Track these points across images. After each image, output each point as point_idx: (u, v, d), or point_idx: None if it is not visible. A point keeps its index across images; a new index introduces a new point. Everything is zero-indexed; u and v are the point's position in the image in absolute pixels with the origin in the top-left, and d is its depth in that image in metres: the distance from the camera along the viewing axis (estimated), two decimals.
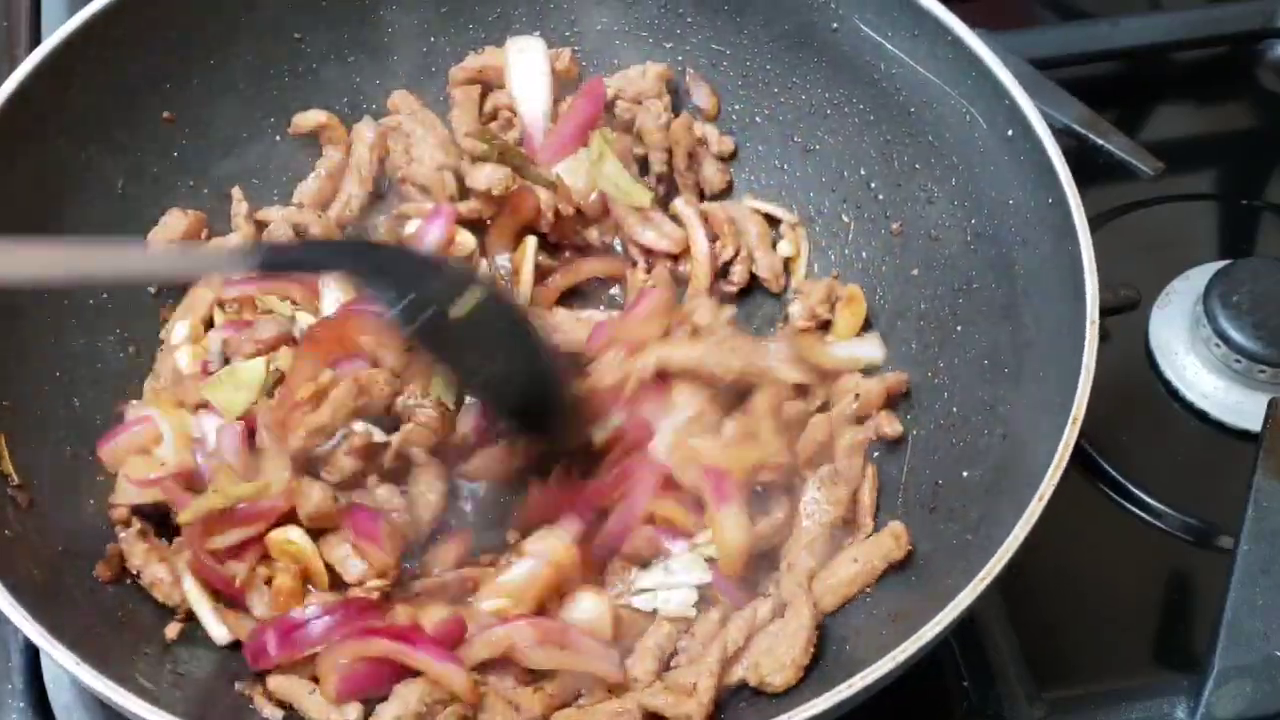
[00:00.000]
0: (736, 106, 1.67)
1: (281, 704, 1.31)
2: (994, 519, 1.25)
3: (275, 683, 1.31)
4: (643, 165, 1.66)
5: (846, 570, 1.36)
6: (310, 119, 1.63)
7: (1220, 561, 1.35)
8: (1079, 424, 1.22)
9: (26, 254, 1.22)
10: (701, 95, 1.66)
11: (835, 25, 1.56)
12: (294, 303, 1.54)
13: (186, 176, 1.59)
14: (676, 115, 1.65)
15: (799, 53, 1.61)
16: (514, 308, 1.46)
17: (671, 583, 1.39)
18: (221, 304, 1.55)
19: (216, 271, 1.53)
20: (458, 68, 1.67)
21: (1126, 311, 1.60)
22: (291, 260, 1.45)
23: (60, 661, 1.15)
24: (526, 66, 1.65)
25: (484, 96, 1.68)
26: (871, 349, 1.53)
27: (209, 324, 1.55)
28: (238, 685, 1.32)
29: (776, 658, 1.28)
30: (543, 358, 1.41)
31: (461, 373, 1.40)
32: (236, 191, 1.61)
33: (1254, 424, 1.46)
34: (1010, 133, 1.40)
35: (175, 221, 1.56)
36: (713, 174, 1.66)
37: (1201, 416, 1.59)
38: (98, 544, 1.37)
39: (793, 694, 1.22)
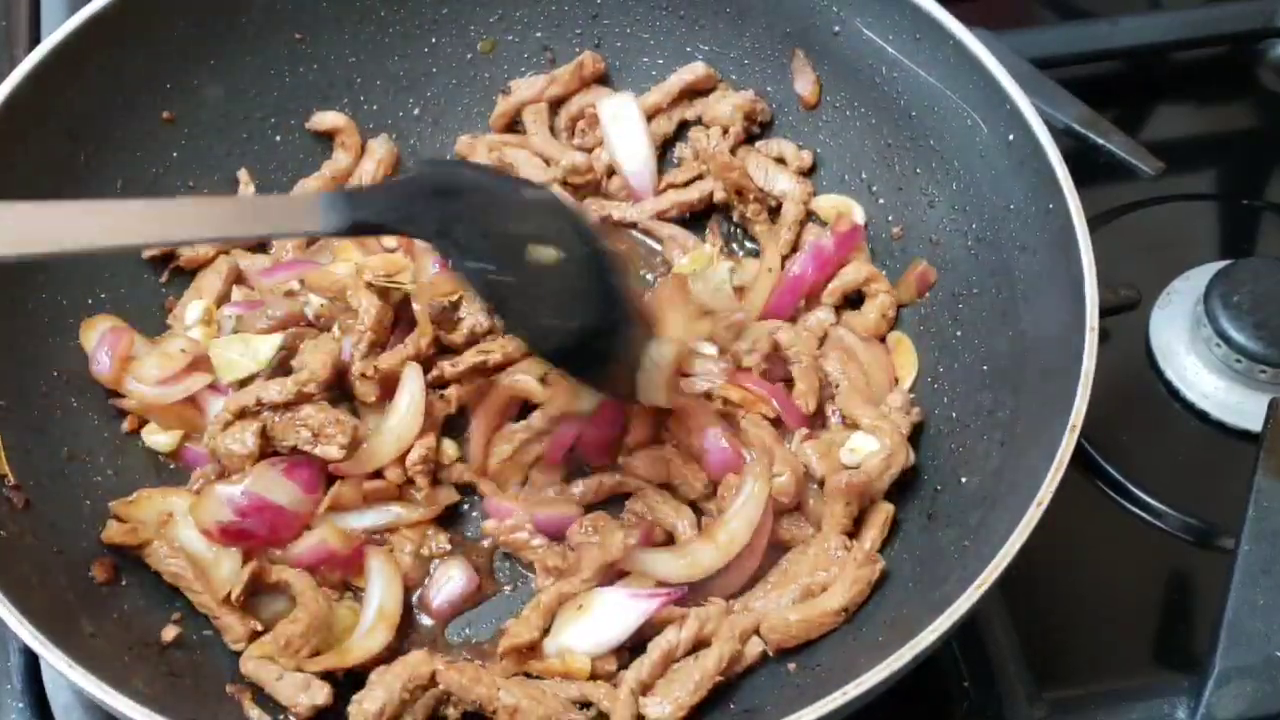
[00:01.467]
0: None
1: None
2: (992, 525, 1.24)
3: (249, 667, 1.29)
4: None
5: (830, 603, 1.31)
6: (328, 120, 1.63)
7: (1221, 562, 1.33)
8: (1078, 431, 1.20)
9: (85, 218, 1.14)
10: (804, 82, 1.61)
11: (836, 28, 1.54)
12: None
13: (185, 177, 1.57)
14: (751, 144, 1.62)
15: (801, 52, 1.59)
16: (603, 255, 1.32)
17: None
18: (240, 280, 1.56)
19: (294, 234, 1.49)
20: (494, 115, 1.67)
21: (1127, 311, 1.58)
22: (369, 223, 1.27)
23: (53, 663, 1.14)
24: (623, 127, 1.62)
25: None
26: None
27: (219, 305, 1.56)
28: (229, 689, 1.29)
29: (669, 690, 1.26)
30: (626, 317, 1.32)
31: (532, 333, 1.32)
32: (243, 174, 1.59)
33: (1254, 424, 1.45)
34: (1011, 137, 1.39)
35: None
36: (789, 187, 1.59)
37: (1202, 417, 1.56)
38: (94, 545, 1.35)
39: (789, 701, 1.19)
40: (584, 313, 1.29)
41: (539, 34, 1.66)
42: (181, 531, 1.36)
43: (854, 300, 1.55)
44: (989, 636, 1.35)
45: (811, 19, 1.55)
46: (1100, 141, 1.66)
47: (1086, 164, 1.53)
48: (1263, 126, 1.86)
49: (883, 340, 1.52)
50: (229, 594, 1.32)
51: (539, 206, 1.32)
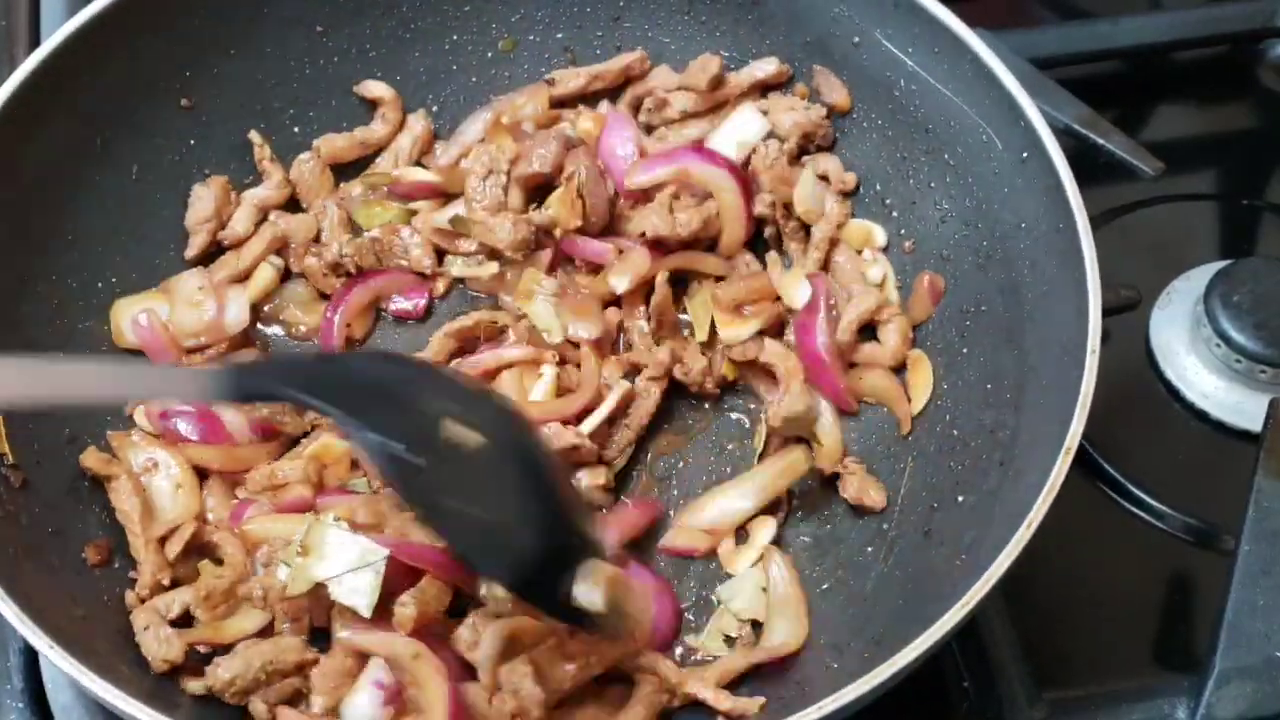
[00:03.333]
0: None
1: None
2: (983, 545, 1.13)
3: (134, 611, 1.18)
4: None
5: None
6: (374, 89, 1.51)
7: (1221, 562, 1.23)
8: (1072, 454, 1.11)
9: None
10: (832, 90, 1.46)
11: (856, 39, 1.42)
12: None
13: (202, 165, 1.46)
14: (799, 158, 1.46)
15: (820, 65, 1.46)
16: (532, 445, 1.09)
17: None
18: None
19: (182, 397, 1.25)
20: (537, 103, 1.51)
21: (1127, 311, 1.46)
22: (262, 391, 1.13)
23: (34, 643, 1.04)
24: (740, 138, 1.45)
25: None
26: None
27: None
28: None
29: None
30: (557, 515, 1.07)
31: (443, 523, 1.06)
32: (255, 135, 1.47)
33: (1255, 424, 1.33)
34: (1025, 155, 1.28)
35: (204, 200, 1.43)
36: (829, 207, 1.43)
37: (1202, 417, 1.44)
38: (89, 528, 1.25)
39: (770, 715, 1.12)
40: (509, 509, 1.04)
41: (560, 35, 1.53)
42: (155, 480, 1.27)
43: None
44: (989, 637, 1.24)
45: (832, 29, 1.43)
46: (1100, 141, 1.53)
47: (1086, 164, 1.40)
48: (1263, 126, 1.73)
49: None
50: (161, 538, 1.23)
51: (462, 387, 1.09)
